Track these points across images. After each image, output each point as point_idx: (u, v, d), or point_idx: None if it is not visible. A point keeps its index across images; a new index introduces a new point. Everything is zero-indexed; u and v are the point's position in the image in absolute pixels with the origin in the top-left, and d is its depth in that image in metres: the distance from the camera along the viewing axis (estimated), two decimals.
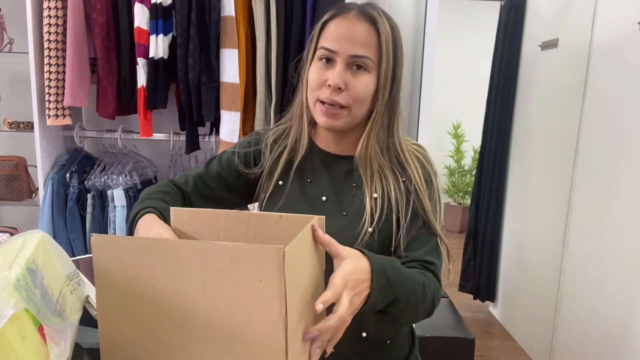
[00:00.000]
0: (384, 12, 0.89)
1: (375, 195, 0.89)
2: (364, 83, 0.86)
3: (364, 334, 0.91)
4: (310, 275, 0.68)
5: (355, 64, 0.85)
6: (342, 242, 0.88)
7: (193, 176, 0.99)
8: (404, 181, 0.90)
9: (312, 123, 0.96)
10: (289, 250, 0.58)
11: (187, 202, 0.97)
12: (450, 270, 0.91)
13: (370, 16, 0.85)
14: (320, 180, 0.94)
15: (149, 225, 0.81)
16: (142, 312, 0.65)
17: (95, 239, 0.65)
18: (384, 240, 0.88)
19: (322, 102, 0.87)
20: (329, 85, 0.85)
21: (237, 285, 0.59)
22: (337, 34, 0.85)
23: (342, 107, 0.86)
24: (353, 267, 0.68)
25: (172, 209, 0.81)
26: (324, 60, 0.87)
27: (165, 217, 0.84)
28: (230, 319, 0.61)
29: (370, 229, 0.87)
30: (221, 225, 0.80)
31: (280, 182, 0.95)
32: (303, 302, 0.66)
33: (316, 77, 0.87)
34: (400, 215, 0.88)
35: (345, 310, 0.64)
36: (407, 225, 0.88)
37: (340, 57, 0.85)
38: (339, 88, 0.85)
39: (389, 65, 0.86)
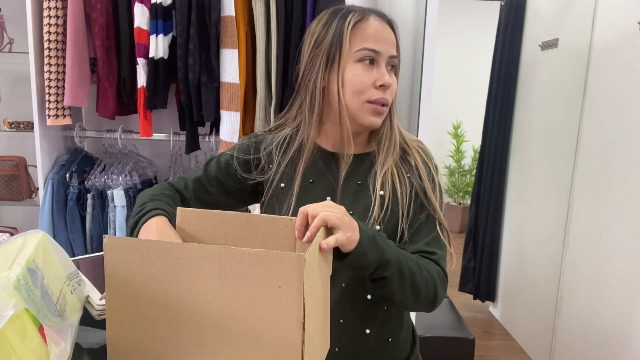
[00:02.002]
0: None
1: (381, 192, 0.89)
2: (396, 82, 0.92)
3: (368, 331, 0.91)
4: (322, 282, 0.69)
5: (392, 64, 0.91)
6: None
7: (192, 180, 0.98)
8: (409, 177, 0.92)
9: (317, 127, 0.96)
10: (309, 258, 0.59)
11: (186, 206, 0.96)
12: (452, 254, 0.92)
13: (389, 19, 0.92)
14: (324, 180, 0.94)
15: (163, 230, 0.80)
16: (154, 316, 0.65)
17: (108, 240, 0.65)
18: (390, 236, 0.88)
19: (372, 102, 0.89)
20: (380, 85, 0.88)
21: (254, 290, 0.60)
22: (377, 35, 0.88)
23: (387, 105, 0.91)
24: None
25: (179, 209, 0.81)
26: (367, 61, 0.88)
27: (173, 223, 0.84)
28: (246, 324, 0.61)
29: (377, 227, 0.88)
30: (229, 228, 0.79)
31: (282, 185, 0.95)
32: (317, 308, 0.66)
33: (365, 79, 0.88)
34: (404, 210, 0.89)
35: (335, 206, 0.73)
36: (410, 218, 0.89)
37: (382, 57, 0.89)
38: (385, 86, 0.89)
39: (400, 64, 0.94)
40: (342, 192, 0.93)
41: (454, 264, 0.92)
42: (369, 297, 0.89)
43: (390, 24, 0.91)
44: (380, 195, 0.89)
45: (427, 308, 0.85)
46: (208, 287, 0.62)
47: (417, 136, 1.84)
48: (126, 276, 0.65)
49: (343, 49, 0.87)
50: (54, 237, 1.90)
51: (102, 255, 0.66)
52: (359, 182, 0.92)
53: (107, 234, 1.95)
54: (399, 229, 0.89)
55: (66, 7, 1.79)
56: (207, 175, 0.98)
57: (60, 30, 1.81)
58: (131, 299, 0.66)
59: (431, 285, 0.81)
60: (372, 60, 0.88)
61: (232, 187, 0.98)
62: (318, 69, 0.90)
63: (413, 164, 0.93)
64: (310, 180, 0.94)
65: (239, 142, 1.04)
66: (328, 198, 0.92)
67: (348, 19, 0.88)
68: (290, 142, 0.97)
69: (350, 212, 0.88)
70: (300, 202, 0.93)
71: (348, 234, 0.72)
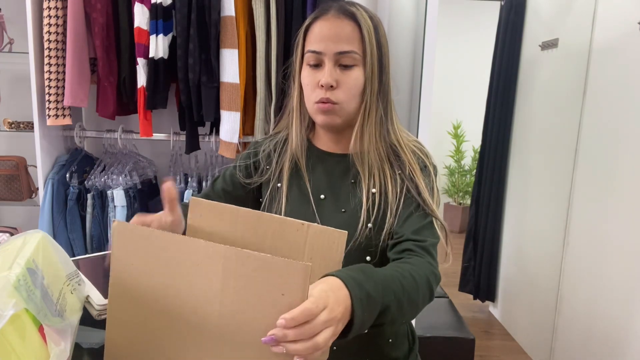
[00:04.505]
0: (362, 5, 0.91)
1: (373, 190, 0.90)
2: (354, 78, 0.88)
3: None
4: None
5: (343, 60, 0.87)
6: None
7: (202, 196, 1.01)
8: (399, 173, 0.91)
9: (310, 126, 0.99)
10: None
11: None
12: (448, 253, 0.89)
13: (350, 12, 0.88)
14: (319, 179, 0.96)
15: (158, 215, 0.80)
16: (154, 307, 0.65)
17: (116, 225, 0.65)
18: (383, 235, 0.88)
19: (317, 103, 0.89)
20: (322, 86, 0.87)
21: (257, 295, 0.58)
22: (320, 35, 0.88)
23: (336, 104, 0.88)
24: (329, 293, 0.60)
25: (191, 198, 0.80)
26: (312, 64, 0.89)
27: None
28: (245, 327, 0.60)
29: (370, 225, 0.88)
30: (239, 223, 0.78)
31: (279, 184, 0.97)
32: None
33: (309, 82, 0.90)
34: (393, 208, 0.88)
35: (314, 303, 0.56)
36: (400, 208, 0.88)
37: (327, 56, 0.87)
38: (331, 86, 0.87)
39: (374, 56, 0.88)
40: (336, 190, 0.94)
41: (450, 262, 0.90)
42: None
43: (351, 17, 0.87)
44: (372, 194, 0.90)
45: (424, 307, 0.81)
46: (210, 285, 0.61)
47: (417, 136, 1.84)
48: (131, 263, 0.64)
49: (297, 54, 0.93)
50: (54, 237, 1.90)
51: (102, 255, 0.66)
52: (352, 181, 0.93)
53: (107, 234, 1.96)
54: (388, 226, 0.88)
55: (66, 7, 1.79)
56: (214, 191, 1.02)
57: (60, 30, 1.81)
58: (133, 287, 0.65)
59: (427, 292, 0.76)
60: (317, 62, 0.89)
61: (239, 196, 1.01)
62: (295, 72, 0.94)
63: (406, 162, 0.92)
64: (307, 179, 0.96)
65: (240, 153, 1.07)
66: (322, 196, 0.94)
67: (305, 23, 0.92)
68: (287, 143, 0.99)
69: (343, 210, 0.91)
70: (297, 200, 0.94)
71: (339, 327, 0.60)
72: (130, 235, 0.64)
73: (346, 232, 0.74)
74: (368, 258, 0.89)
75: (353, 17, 0.87)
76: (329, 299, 0.58)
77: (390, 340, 0.95)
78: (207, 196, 1.01)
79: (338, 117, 0.90)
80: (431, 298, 0.77)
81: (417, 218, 0.86)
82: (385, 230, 0.88)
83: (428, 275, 0.77)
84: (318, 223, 0.91)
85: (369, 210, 0.89)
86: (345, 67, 0.88)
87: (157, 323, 0.65)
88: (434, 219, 0.87)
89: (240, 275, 0.59)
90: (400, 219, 0.87)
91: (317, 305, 0.56)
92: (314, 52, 0.88)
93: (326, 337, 0.57)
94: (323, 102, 0.88)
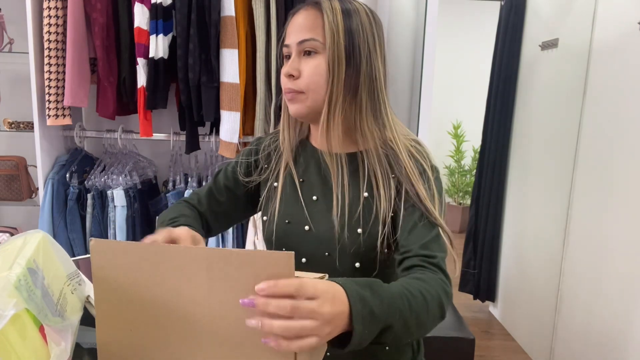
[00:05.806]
0: None
1: (365, 194, 0.87)
2: (314, 65, 0.85)
3: None
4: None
5: (305, 49, 0.86)
6: (331, 242, 0.87)
7: (204, 194, 1.00)
8: (394, 177, 0.87)
9: (306, 125, 0.98)
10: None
11: (204, 221, 0.98)
12: (456, 260, 0.87)
13: (316, 1, 0.87)
14: (312, 180, 0.94)
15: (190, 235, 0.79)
16: (143, 319, 0.64)
17: (94, 243, 0.64)
18: (373, 240, 0.86)
19: (284, 93, 0.89)
20: (286, 76, 0.87)
21: (244, 291, 0.58)
22: (289, 29, 0.88)
23: (299, 92, 0.86)
24: (328, 287, 0.59)
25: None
26: (286, 57, 0.89)
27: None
28: (237, 326, 0.60)
29: (359, 230, 0.86)
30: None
31: (275, 184, 0.96)
32: None
33: (281, 74, 0.90)
34: (387, 213, 0.85)
35: (309, 284, 0.56)
36: (402, 219, 0.84)
37: (292, 48, 0.87)
38: (292, 75, 0.86)
39: (339, 43, 0.83)
40: (329, 192, 0.91)
41: (457, 272, 0.87)
42: None
43: (316, 6, 0.85)
44: (365, 197, 0.87)
45: (435, 326, 0.77)
46: (197, 289, 0.61)
47: (417, 136, 1.84)
48: (114, 279, 0.64)
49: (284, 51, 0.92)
50: (54, 237, 1.90)
51: None
52: (346, 183, 0.89)
53: (107, 234, 1.96)
54: (382, 232, 0.85)
55: (66, 7, 1.79)
56: (216, 186, 1.01)
57: (60, 30, 1.81)
58: (120, 302, 0.65)
59: (438, 311, 0.72)
60: (287, 55, 0.89)
61: (240, 194, 1.00)
62: None
63: (401, 164, 0.87)
64: (301, 180, 0.94)
65: (244, 149, 1.05)
66: (314, 198, 0.91)
67: (287, 22, 0.91)
68: (284, 145, 0.97)
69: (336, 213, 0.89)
70: (291, 201, 0.93)
71: (324, 331, 0.58)
72: (109, 252, 0.64)
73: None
74: (357, 264, 0.87)
75: (318, 6, 0.85)
76: (326, 294, 0.57)
77: (386, 347, 0.92)
78: (210, 191, 1.00)
79: (304, 106, 0.87)
80: (442, 317, 0.73)
81: (423, 229, 0.82)
82: (378, 239, 0.85)
83: (440, 293, 0.73)
84: (309, 225, 0.89)
85: (362, 214, 0.86)
86: (307, 55, 0.86)
87: (148, 334, 0.65)
88: (440, 230, 0.82)
89: (225, 274, 0.59)
90: (404, 230, 0.83)
91: (311, 286, 0.56)
92: (284, 46, 0.89)
93: (304, 326, 0.55)
94: (287, 92, 0.87)
